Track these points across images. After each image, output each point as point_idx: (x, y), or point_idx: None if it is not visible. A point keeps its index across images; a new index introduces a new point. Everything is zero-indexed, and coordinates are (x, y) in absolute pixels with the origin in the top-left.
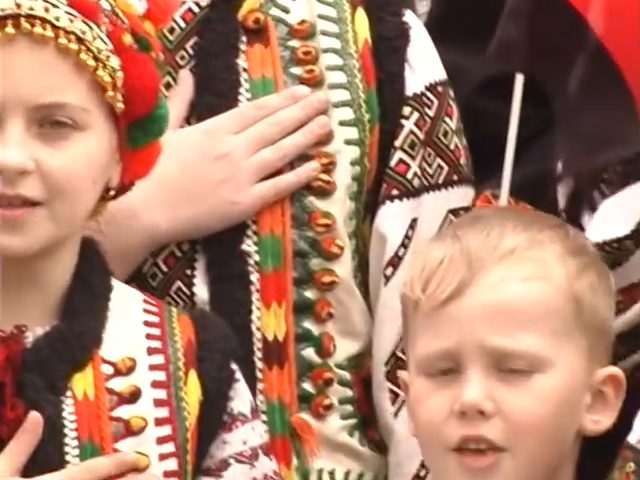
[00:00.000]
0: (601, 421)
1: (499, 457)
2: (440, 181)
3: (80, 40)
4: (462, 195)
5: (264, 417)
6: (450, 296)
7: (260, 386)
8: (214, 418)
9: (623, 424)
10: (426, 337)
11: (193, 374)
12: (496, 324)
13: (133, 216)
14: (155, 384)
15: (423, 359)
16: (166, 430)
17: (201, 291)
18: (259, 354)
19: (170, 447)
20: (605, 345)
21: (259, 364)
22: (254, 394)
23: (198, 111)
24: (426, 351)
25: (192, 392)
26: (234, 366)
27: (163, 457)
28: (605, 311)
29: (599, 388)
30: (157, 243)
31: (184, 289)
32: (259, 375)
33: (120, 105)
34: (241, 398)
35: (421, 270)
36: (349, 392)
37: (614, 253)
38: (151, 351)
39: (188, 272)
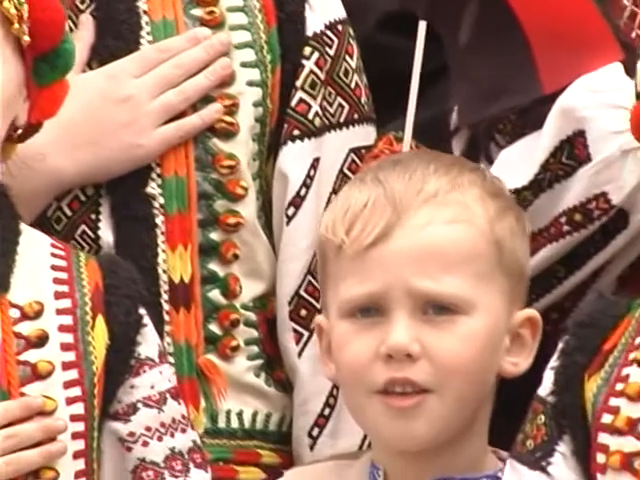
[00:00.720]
0: (519, 363)
1: (424, 398)
2: (341, 120)
3: None
4: (364, 134)
5: (171, 359)
6: (375, 240)
7: (167, 328)
8: (121, 362)
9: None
10: (350, 280)
11: (100, 319)
12: (421, 267)
13: (42, 160)
14: (62, 328)
15: (347, 302)
16: (73, 374)
17: (106, 235)
18: (166, 296)
19: (77, 391)
20: (523, 288)
21: (166, 306)
22: (161, 336)
23: (100, 55)
24: (350, 294)
25: (99, 337)
26: (142, 311)
27: (70, 401)
28: (523, 255)
29: (517, 331)
30: (62, 187)
31: (89, 232)
32: (166, 317)
33: (26, 38)
34: (149, 343)
35: (344, 213)
36: (255, 333)
37: None
38: (58, 295)
39: (93, 216)
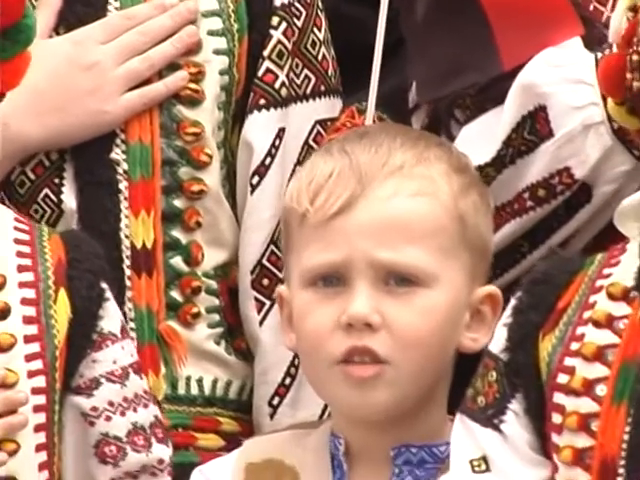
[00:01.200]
0: (478, 339)
1: (383, 368)
2: (307, 92)
3: None
4: (330, 106)
5: (132, 324)
6: (339, 210)
7: (129, 294)
8: (83, 336)
9: None
10: (313, 250)
11: (63, 293)
12: (384, 238)
13: (5, 126)
14: (24, 301)
15: (309, 272)
16: (35, 347)
17: (69, 200)
18: (128, 262)
19: (38, 364)
20: (485, 265)
21: (128, 271)
22: (123, 302)
23: (67, 21)
24: (312, 264)
25: (61, 310)
26: (104, 285)
27: (31, 374)
28: (486, 231)
29: (478, 307)
30: (27, 152)
31: (52, 197)
32: (128, 283)
33: None
34: (111, 317)
35: (308, 183)
36: (216, 301)
37: None
38: (21, 269)
39: (56, 180)
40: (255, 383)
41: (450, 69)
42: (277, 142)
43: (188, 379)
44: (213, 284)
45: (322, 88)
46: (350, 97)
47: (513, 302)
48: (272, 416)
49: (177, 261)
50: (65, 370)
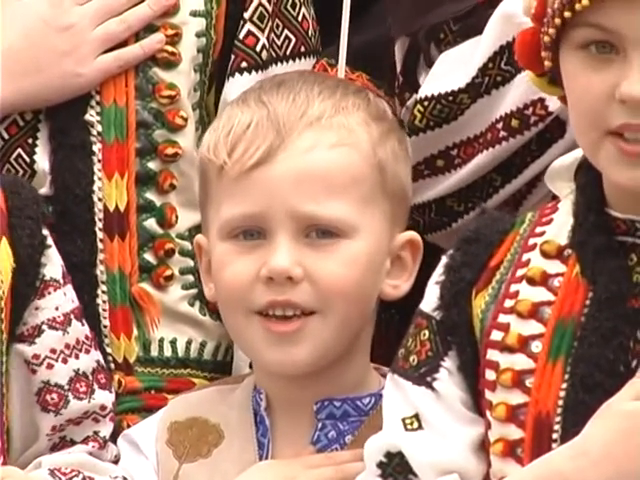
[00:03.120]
0: (399, 286)
1: (306, 321)
2: (287, 52)
3: None
4: (309, 66)
5: (104, 287)
6: (258, 162)
7: (101, 256)
8: (26, 285)
9: None
10: (232, 202)
11: (4, 241)
12: (304, 191)
13: None
14: None
15: (228, 224)
16: None
17: (42, 161)
18: (100, 224)
19: None
20: (405, 210)
21: (100, 234)
22: (94, 265)
23: None
24: (232, 216)
25: (4, 260)
26: (45, 232)
27: None
28: (405, 177)
29: (398, 253)
30: (1, 113)
31: (24, 157)
32: (100, 245)
33: None
34: (53, 264)
35: (226, 134)
36: (190, 262)
37: (449, 107)
38: None
39: (30, 141)
40: (235, 344)
41: (426, 1)
42: None
43: (161, 341)
44: (187, 245)
45: (302, 49)
46: (322, 51)
47: (445, 260)
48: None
49: (151, 223)
50: (10, 319)
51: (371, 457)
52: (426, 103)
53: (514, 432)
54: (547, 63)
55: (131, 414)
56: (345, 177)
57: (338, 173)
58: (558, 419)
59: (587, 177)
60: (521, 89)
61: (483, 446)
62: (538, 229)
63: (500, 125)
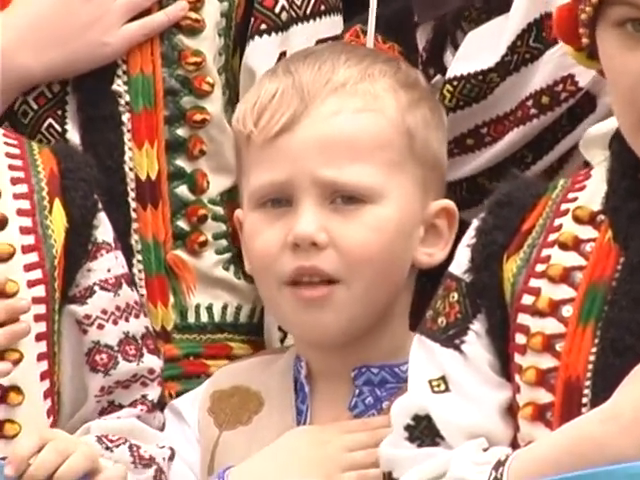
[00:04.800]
0: (434, 254)
1: (333, 288)
2: (307, 12)
3: None
4: (330, 24)
5: (139, 257)
6: (282, 129)
7: (134, 226)
8: (79, 246)
9: None
10: (259, 170)
11: (58, 203)
12: (328, 156)
13: (5, 59)
14: (20, 212)
15: (256, 192)
16: (33, 257)
17: (73, 134)
18: (132, 194)
19: (38, 274)
20: (439, 178)
21: (133, 204)
22: (129, 234)
23: None
24: (259, 184)
25: (57, 221)
26: (96, 196)
27: (31, 284)
28: (438, 145)
29: (432, 221)
30: (27, 85)
31: (56, 126)
32: (133, 215)
33: None
34: (105, 227)
35: (253, 104)
36: (223, 227)
37: (479, 86)
38: (15, 181)
39: (59, 112)
40: (266, 307)
41: None
42: None
43: (197, 307)
44: (220, 210)
45: (322, 7)
46: (352, 19)
47: (476, 223)
48: (282, 341)
49: (182, 190)
50: (63, 279)
51: (398, 419)
52: (455, 83)
53: (544, 396)
54: (584, 40)
55: (171, 381)
56: (370, 142)
57: (362, 138)
58: (588, 383)
59: (622, 144)
60: (550, 66)
61: (510, 410)
62: (570, 195)
63: (530, 102)
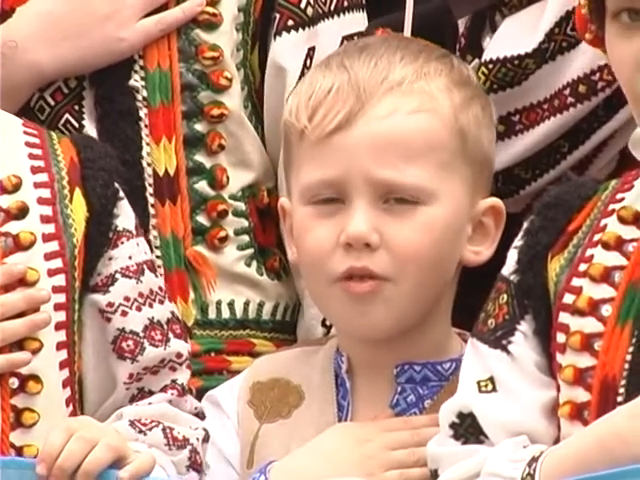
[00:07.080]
0: (481, 252)
1: (381, 285)
2: (332, 8)
3: None
4: (354, 20)
5: (158, 252)
6: (337, 126)
7: (153, 221)
8: (100, 235)
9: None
10: (312, 166)
11: (78, 192)
12: (383, 156)
13: (19, 54)
14: (41, 201)
15: (308, 188)
16: (54, 246)
17: (90, 129)
18: (150, 189)
19: (58, 263)
20: (487, 177)
21: (151, 199)
22: (147, 230)
23: None
24: (311, 180)
25: (78, 209)
26: (117, 185)
27: (51, 273)
28: (488, 143)
29: (480, 219)
30: (44, 80)
31: (73, 122)
32: (151, 210)
33: None
34: (126, 215)
35: (308, 99)
36: (245, 222)
37: (514, 71)
38: (35, 170)
39: (76, 107)
40: (305, 303)
41: None
42: (308, 62)
43: (219, 303)
44: (241, 205)
45: (345, 3)
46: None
47: (525, 225)
48: (325, 336)
49: (202, 185)
50: (84, 268)
51: (444, 418)
52: (491, 66)
53: (581, 395)
54: (587, 36)
55: (191, 377)
56: (424, 143)
57: (417, 139)
58: (623, 382)
59: None
60: (587, 55)
61: (555, 410)
62: (618, 195)
63: (567, 91)
